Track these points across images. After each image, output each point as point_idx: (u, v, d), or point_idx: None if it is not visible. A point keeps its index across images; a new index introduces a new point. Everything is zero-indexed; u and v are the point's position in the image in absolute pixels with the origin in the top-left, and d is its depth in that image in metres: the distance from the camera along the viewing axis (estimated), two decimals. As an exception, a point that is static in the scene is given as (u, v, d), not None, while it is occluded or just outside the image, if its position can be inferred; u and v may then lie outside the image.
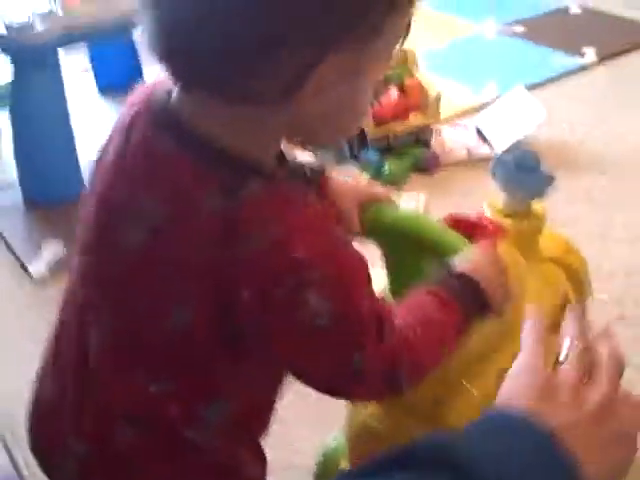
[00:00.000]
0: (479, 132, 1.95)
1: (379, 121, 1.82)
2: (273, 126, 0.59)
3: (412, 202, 1.71)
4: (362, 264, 0.61)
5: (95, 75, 2.31)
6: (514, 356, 0.57)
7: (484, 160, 1.85)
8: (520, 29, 2.57)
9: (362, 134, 1.83)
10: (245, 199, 0.56)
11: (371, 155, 1.82)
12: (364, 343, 0.60)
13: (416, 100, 1.88)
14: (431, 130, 1.88)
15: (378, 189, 0.81)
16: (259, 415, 0.69)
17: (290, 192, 0.59)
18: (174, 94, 0.59)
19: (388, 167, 1.79)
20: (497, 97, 2.05)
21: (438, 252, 0.74)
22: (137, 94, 0.64)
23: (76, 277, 0.67)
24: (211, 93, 0.56)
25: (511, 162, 0.90)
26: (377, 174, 1.80)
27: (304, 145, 0.67)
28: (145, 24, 0.55)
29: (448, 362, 0.69)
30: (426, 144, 1.87)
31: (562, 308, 0.88)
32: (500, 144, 1.87)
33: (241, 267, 0.56)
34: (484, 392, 0.78)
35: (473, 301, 0.68)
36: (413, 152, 1.84)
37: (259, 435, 0.70)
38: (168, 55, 0.56)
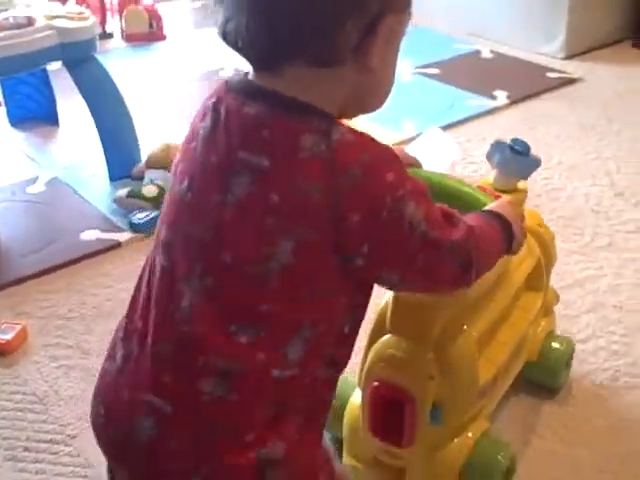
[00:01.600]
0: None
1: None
2: (342, 86, 0.71)
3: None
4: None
5: (7, 110, 2.26)
6: (502, 307, 0.96)
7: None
8: (434, 71, 2.65)
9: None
10: (338, 141, 0.67)
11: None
12: (450, 235, 0.74)
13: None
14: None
15: (408, 154, 0.96)
16: (339, 348, 0.74)
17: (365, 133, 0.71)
18: (251, 77, 0.71)
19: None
20: (416, 136, 2.10)
21: (470, 206, 0.90)
22: (210, 95, 0.75)
23: (170, 237, 0.72)
24: (306, 62, 0.68)
25: (507, 147, 1.11)
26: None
27: (350, 114, 0.75)
28: (241, 26, 0.67)
29: (456, 304, 0.93)
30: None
31: (537, 269, 1.17)
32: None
33: (345, 197, 0.66)
34: (479, 333, 1.01)
35: (506, 235, 0.85)
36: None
37: (339, 370, 0.76)
38: (270, 41, 0.68)
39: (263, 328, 0.68)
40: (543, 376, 1.26)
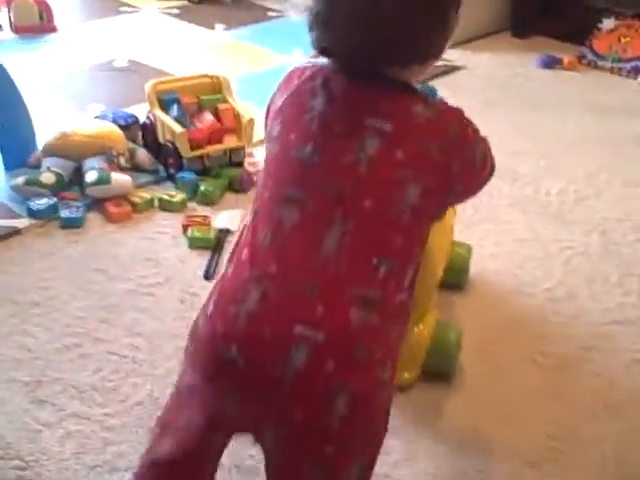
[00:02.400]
0: (290, 154, 2.06)
1: (194, 144, 1.88)
2: (424, 72, 0.94)
3: (229, 218, 1.78)
4: None
5: None
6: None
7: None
8: (325, 61, 2.73)
9: (178, 156, 1.89)
10: (440, 107, 0.91)
11: (187, 176, 1.87)
12: (492, 164, 1.02)
13: (230, 124, 1.96)
14: (244, 152, 1.97)
15: None
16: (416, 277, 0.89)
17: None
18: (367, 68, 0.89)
19: (204, 187, 1.86)
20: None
21: None
22: (298, 73, 0.93)
23: (298, 194, 0.84)
24: (418, 61, 0.90)
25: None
26: (193, 194, 1.86)
27: None
28: (354, 40, 0.86)
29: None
30: (239, 165, 1.96)
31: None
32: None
33: (452, 151, 0.88)
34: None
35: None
36: (227, 173, 1.91)
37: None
38: (375, 49, 0.86)
39: (395, 260, 0.84)
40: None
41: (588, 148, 2.26)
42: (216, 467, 0.94)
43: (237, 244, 0.90)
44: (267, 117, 0.98)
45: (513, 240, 1.79)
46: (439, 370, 1.36)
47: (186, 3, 3.34)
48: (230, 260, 0.89)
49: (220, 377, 0.83)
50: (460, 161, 0.90)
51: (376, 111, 0.86)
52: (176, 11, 3.23)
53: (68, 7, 3.23)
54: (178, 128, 1.86)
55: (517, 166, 2.10)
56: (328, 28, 0.87)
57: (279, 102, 0.92)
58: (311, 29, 0.89)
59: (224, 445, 0.91)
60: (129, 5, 3.28)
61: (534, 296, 1.61)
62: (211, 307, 0.85)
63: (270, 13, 3.27)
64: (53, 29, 2.94)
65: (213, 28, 3.05)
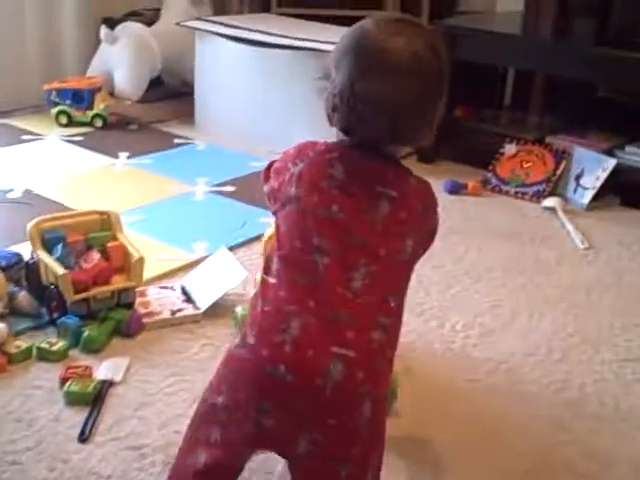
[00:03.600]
0: (184, 292, 1.97)
1: (79, 286, 1.77)
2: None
3: (113, 368, 1.66)
4: None
5: None
6: None
7: (189, 320, 1.87)
8: (230, 189, 2.69)
9: (62, 300, 1.77)
10: (421, 179, 1.14)
11: (69, 321, 1.75)
12: None
13: (119, 263, 1.86)
14: (134, 293, 1.86)
15: None
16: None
17: None
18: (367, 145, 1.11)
19: (88, 333, 1.73)
20: (205, 257, 2.10)
21: None
22: (311, 147, 1.13)
23: (328, 245, 1.04)
24: (405, 144, 1.16)
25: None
26: (76, 340, 1.73)
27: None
28: (376, 125, 1.08)
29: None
30: (129, 307, 1.84)
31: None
32: (203, 303, 1.89)
33: (428, 211, 1.14)
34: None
35: None
36: (115, 316, 1.80)
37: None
38: (394, 136, 1.10)
39: (398, 295, 1.07)
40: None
41: (493, 276, 2.23)
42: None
43: (266, 283, 1.07)
44: (270, 178, 1.18)
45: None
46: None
47: (91, 130, 3.28)
48: (262, 298, 1.06)
49: (268, 392, 1.00)
50: (429, 223, 1.15)
51: (384, 181, 1.08)
52: (79, 139, 3.17)
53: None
54: (60, 270, 1.75)
55: (423, 298, 2.05)
56: (353, 111, 1.07)
57: (293, 168, 1.11)
58: (335, 110, 1.09)
59: (248, 460, 1.11)
60: (32, 133, 3.20)
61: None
62: (251, 339, 1.02)
63: (177, 140, 3.23)
64: (-54, 159, 2.84)
65: (117, 157, 2.98)
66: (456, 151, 3.13)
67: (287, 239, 1.07)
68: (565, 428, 1.59)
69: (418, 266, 1.83)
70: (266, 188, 1.20)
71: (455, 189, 2.85)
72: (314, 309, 1.01)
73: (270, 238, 1.65)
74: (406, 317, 1.96)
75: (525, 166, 2.91)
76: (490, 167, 2.95)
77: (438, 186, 2.86)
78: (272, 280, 1.06)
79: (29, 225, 1.83)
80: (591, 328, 1.98)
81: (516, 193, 2.86)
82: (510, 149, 2.97)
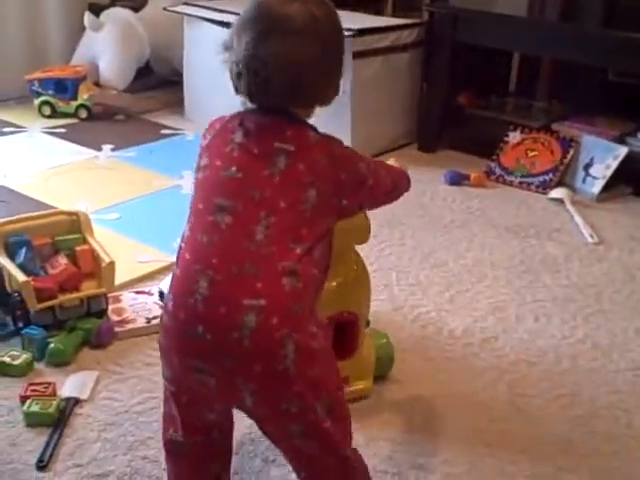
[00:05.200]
0: (162, 297, 1.82)
1: (44, 294, 1.63)
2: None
3: (79, 384, 1.52)
4: None
5: None
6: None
7: (165, 329, 1.73)
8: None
9: (24, 308, 1.63)
10: (327, 135, 1.15)
11: (33, 332, 1.61)
12: (394, 172, 1.36)
13: (88, 268, 1.72)
14: (105, 299, 1.72)
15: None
16: (327, 260, 1.15)
17: None
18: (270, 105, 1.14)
19: (54, 345, 1.59)
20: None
21: None
22: (219, 121, 1.16)
23: (229, 202, 1.07)
24: (308, 105, 1.16)
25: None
26: (41, 353, 1.59)
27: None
28: (279, 87, 1.10)
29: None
30: (100, 315, 1.70)
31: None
32: (182, 310, 1.75)
33: (337, 161, 1.13)
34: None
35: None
36: (84, 325, 1.65)
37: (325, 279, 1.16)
38: (297, 97, 1.13)
39: (305, 242, 1.07)
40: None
41: (497, 275, 2.08)
42: (227, 445, 1.20)
43: (180, 250, 1.10)
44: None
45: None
46: (383, 373, 1.59)
47: (74, 121, 3.14)
48: (176, 266, 1.09)
49: (194, 353, 1.04)
50: (346, 172, 1.14)
51: (282, 137, 1.11)
52: (62, 130, 3.02)
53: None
54: (21, 276, 1.60)
55: (419, 300, 1.90)
56: (257, 76, 1.10)
57: (204, 142, 1.16)
58: (239, 77, 1.12)
59: (221, 422, 1.16)
60: (14, 125, 3.06)
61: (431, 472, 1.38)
62: (170, 304, 1.06)
63: (164, 131, 3.08)
64: None
65: (100, 149, 2.83)
66: (458, 140, 2.98)
67: (193, 204, 1.12)
68: (571, 451, 1.44)
69: (416, 263, 1.74)
70: None
71: (457, 180, 2.69)
72: (218, 266, 1.04)
73: None
74: (400, 321, 1.86)
75: (530, 155, 2.75)
76: (494, 156, 2.80)
77: (439, 177, 2.72)
78: (181, 244, 1.11)
79: (-11, 229, 1.69)
80: (603, 333, 1.83)
81: (521, 183, 2.70)
82: (515, 137, 2.81)
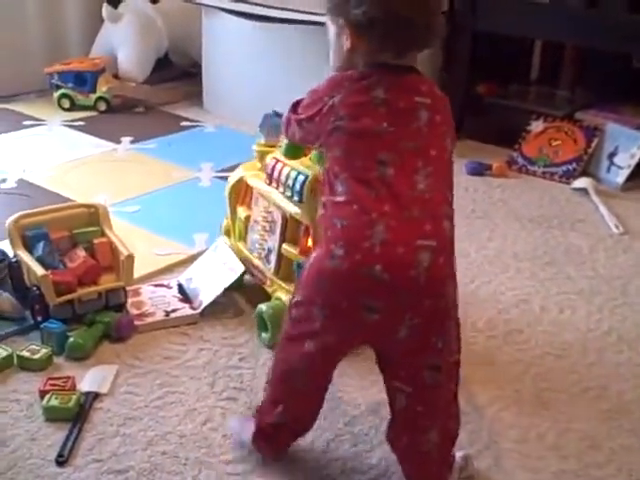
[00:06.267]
0: (181, 290, 1.81)
1: (63, 287, 1.62)
2: None
3: (98, 378, 1.51)
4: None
5: None
6: None
7: (184, 321, 1.72)
8: (237, 175, 2.51)
9: (43, 302, 1.62)
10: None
11: (52, 326, 1.60)
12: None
13: (106, 262, 1.71)
14: (124, 292, 1.71)
15: None
16: None
17: None
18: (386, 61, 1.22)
19: (72, 339, 1.58)
20: (205, 249, 1.94)
21: None
22: (346, 79, 1.22)
23: (388, 156, 1.17)
24: (429, 45, 1.24)
25: (271, 114, 1.77)
26: (60, 347, 1.58)
27: None
28: (410, 37, 1.21)
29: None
30: (119, 309, 1.69)
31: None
32: (200, 303, 1.73)
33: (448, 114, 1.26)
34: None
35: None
36: (103, 319, 1.64)
37: None
38: (423, 43, 1.24)
39: (451, 189, 1.21)
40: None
41: (520, 266, 2.05)
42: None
43: (328, 209, 1.19)
44: (301, 114, 1.29)
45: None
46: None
47: (93, 114, 3.13)
48: (337, 219, 1.16)
49: (368, 291, 1.12)
50: (453, 121, 1.26)
51: (419, 92, 1.21)
52: (81, 123, 3.02)
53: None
54: (40, 270, 1.59)
55: (441, 292, 1.87)
56: (388, 32, 1.19)
57: (330, 100, 1.20)
58: (358, 5, 1.18)
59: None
60: (34, 118, 3.05)
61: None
62: (341, 252, 1.13)
63: (183, 123, 3.07)
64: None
65: (119, 142, 2.82)
66: (479, 129, 2.93)
67: (346, 161, 1.19)
68: (599, 446, 1.41)
69: None
70: (297, 126, 1.30)
71: (478, 170, 2.65)
72: (391, 212, 1.13)
73: (229, 182, 1.84)
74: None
75: (554, 144, 2.71)
76: (516, 146, 2.76)
77: (460, 167, 2.68)
78: (341, 199, 1.17)
79: (7, 222, 1.68)
80: (629, 325, 1.79)
81: (544, 173, 2.66)
82: (537, 126, 2.77)
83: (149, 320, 1.70)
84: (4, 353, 1.55)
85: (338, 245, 1.13)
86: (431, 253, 1.11)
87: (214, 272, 1.78)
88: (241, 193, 1.82)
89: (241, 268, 1.74)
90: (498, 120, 2.95)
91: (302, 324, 1.20)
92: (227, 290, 1.76)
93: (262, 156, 1.74)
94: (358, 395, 1.51)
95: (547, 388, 1.56)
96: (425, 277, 1.11)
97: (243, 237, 1.79)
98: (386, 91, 1.19)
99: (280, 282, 1.66)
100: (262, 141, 1.77)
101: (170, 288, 1.83)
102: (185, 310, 1.74)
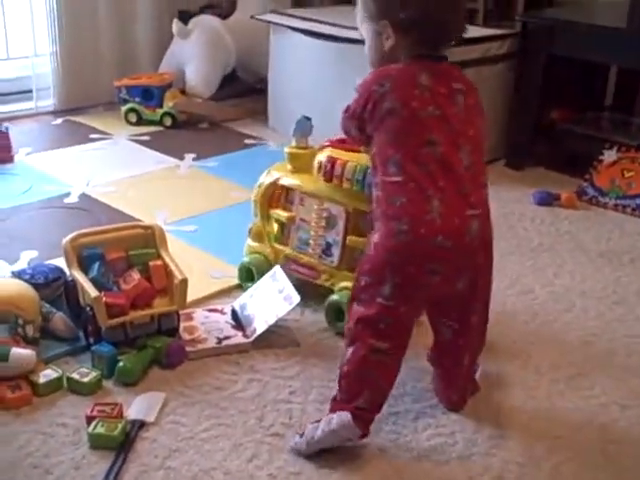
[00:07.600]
0: (235, 316, 1.77)
1: (116, 309, 1.60)
2: None
3: (146, 406, 1.48)
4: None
5: None
6: None
7: (236, 349, 1.68)
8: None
9: (96, 324, 1.61)
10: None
11: (103, 349, 1.58)
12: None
13: (161, 285, 1.69)
14: (177, 317, 1.68)
15: None
16: None
17: None
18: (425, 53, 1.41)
19: (123, 363, 1.56)
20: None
21: None
22: (394, 70, 1.40)
23: (438, 137, 1.34)
24: (458, 40, 1.44)
25: (302, 118, 1.87)
26: (110, 371, 1.56)
27: None
28: (447, 32, 1.42)
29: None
30: (171, 333, 1.67)
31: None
32: (253, 331, 1.70)
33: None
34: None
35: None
36: (154, 344, 1.62)
37: None
38: (446, 35, 1.43)
39: (484, 162, 1.41)
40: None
41: (587, 305, 1.96)
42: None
43: (383, 190, 1.36)
44: (354, 112, 1.42)
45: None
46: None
47: (159, 129, 3.14)
48: (387, 202, 1.35)
49: (433, 257, 1.32)
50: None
51: (455, 78, 1.40)
52: (146, 138, 3.03)
53: (37, 134, 3.06)
54: (93, 291, 1.58)
55: (503, 329, 1.80)
56: (428, 29, 1.38)
57: (380, 89, 1.36)
58: (402, 9, 1.36)
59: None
60: (100, 132, 3.09)
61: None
62: (404, 227, 1.31)
63: (247, 141, 3.06)
64: (9, 159, 2.74)
65: (182, 158, 2.83)
66: (548, 157, 2.85)
67: (397, 143, 1.34)
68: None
69: (502, 289, 1.90)
70: (351, 119, 1.44)
71: (546, 200, 2.56)
72: (445, 187, 1.31)
73: (259, 186, 1.91)
74: (482, 354, 1.75)
75: (627, 175, 2.60)
76: (586, 176, 2.65)
77: (527, 196, 2.59)
78: (397, 179, 1.33)
79: (64, 240, 1.67)
80: (703, 376, 1.68)
81: (616, 206, 2.55)
82: (610, 156, 2.66)
83: (200, 347, 1.67)
84: (55, 375, 1.54)
85: (402, 221, 1.32)
86: (478, 220, 1.34)
87: (269, 300, 1.75)
88: (274, 196, 1.88)
89: (297, 299, 1.70)
90: (569, 148, 2.85)
91: (373, 304, 1.35)
92: (281, 320, 1.72)
93: (293, 158, 1.85)
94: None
95: (613, 440, 1.47)
96: (478, 240, 1.35)
97: (280, 238, 1.87)
98: (429, 78, 1.36)
99: (346, 272, 1.75)
100: (293, 144, 1.87)
101: (224, 314, 1.80)
102: (237, 338, 1.70)
